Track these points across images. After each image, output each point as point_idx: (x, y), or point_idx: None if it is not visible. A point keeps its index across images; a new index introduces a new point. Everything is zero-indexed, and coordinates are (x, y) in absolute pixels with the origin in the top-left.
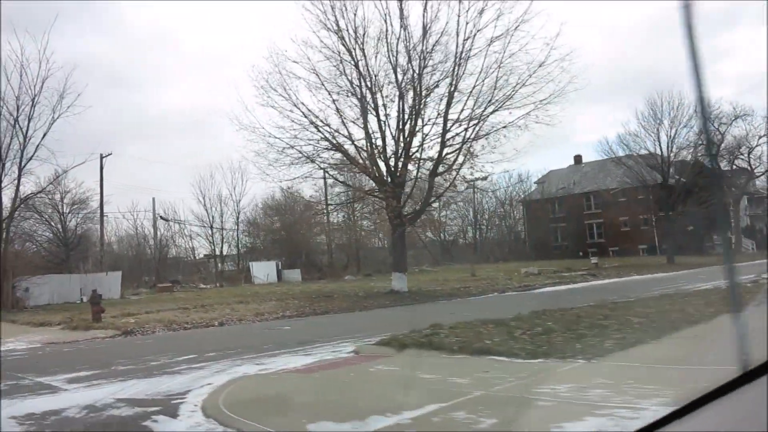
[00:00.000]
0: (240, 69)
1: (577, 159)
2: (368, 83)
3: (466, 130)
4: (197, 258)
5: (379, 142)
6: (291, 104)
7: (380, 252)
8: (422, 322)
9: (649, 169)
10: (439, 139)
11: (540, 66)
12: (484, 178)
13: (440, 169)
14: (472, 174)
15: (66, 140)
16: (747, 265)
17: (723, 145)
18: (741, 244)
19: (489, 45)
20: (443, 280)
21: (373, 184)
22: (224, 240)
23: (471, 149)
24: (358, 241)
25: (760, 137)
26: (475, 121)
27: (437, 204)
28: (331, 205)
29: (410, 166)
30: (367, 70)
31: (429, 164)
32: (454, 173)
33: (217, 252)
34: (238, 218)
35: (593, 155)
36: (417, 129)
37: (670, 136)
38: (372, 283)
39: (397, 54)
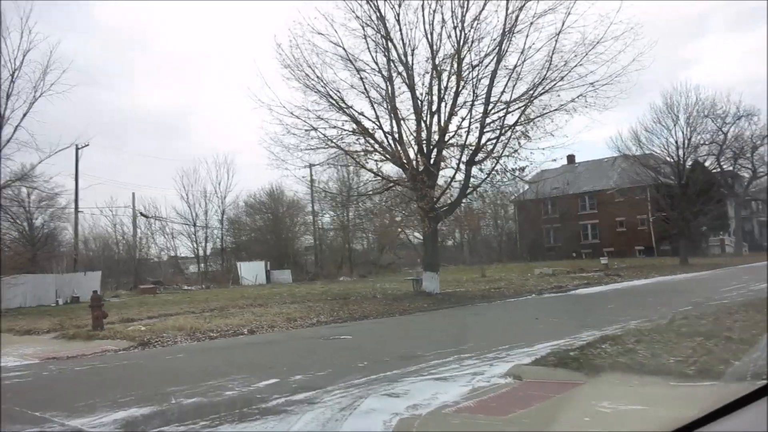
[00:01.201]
0: (255, 49)
1: (570, 159)
2: (403, 58)
3: (507, 113)
4: (179, 257)
5: (412, 126)
6: (314, 80)
7: (370, 253)
8: (509, 330)
9: (646, 170)
10: (478, 125)
11: (598, 43)
12: (522, 170)
13: (478, 157)
14: (516, 163)
15: (40, 132)
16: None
17: (725, 145)
18: (741, 246)
19: (540, 17)
20: (454, 281)
21: (402, 174)
22: (208, 239)
23: (524, 132)
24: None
25: (764, 137)
26: (525, 102)
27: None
28: (353, 196)
29: (445, 153)
30: (402, 42)
31: (466, 152)
32: (494, 162)
33: (201, 251)
34: (223, 215)
35: (587, 154)
36: (456, 110)
37: (686, 134)
38: (378, 284)
39: (433, 24)
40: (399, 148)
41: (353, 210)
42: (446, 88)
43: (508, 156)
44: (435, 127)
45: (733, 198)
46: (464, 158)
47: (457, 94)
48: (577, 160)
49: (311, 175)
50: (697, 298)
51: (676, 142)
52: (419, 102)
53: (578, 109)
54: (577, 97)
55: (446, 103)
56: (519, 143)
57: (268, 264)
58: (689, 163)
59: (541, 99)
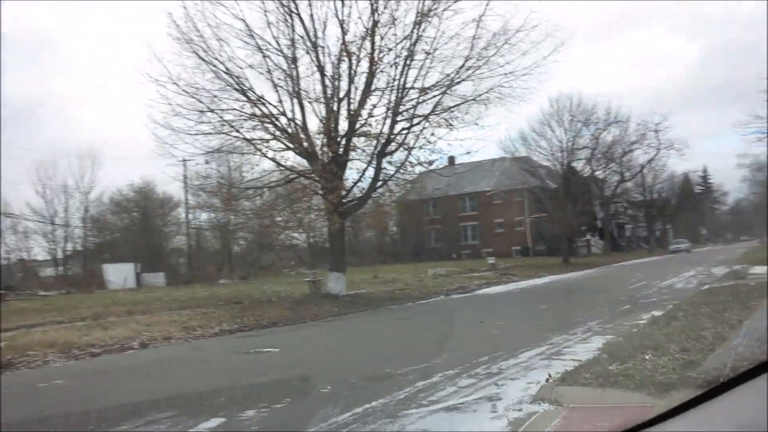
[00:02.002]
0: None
1: (451, 160)
2: (312, 37)
3: (418, 102)
4: (32, 260)
5: (322, 113)
6: (209, 53)
7: (249, 254)
8: (466, 337)
9: (525, 172)
10: (390, 113)
11: (517, 32)
12: (430, 163)
13: (390, 148)
14: (430, 155)
15: None
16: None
17: (597, 150)
18: (609, 246)
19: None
20: (347, 282)
21: (308, 165)
22: (68, 239)
23: (447, 120)
24: (230, 242)
25: (632, 143)
26: (442, 90)
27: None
28: (250, 188)
29: (357, 143)
30: (311, 18)
31: (378, 142)
32: (406, 153)
33: (60, 253)
34: (86, 213)
35: (485, 154)
36: (368, 95)
37: (568, 138)
38: (265, 287)
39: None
40: (303, 135)
41: (238, 207)
42: (356, 72)
43: (421, 148)
44: (346, 114)
45: (601, 201)
46: (376, 148)
47: (369, 79)
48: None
49: (185, 169)
50: (622, 296)
51: (560, 145)
52: (329, 86)
53: (494, 100)
54: (495, 86)
55: (357, 89)
56: (433, 134)
57: (138, 266)
58: (570, 165)
59: (456, 89)
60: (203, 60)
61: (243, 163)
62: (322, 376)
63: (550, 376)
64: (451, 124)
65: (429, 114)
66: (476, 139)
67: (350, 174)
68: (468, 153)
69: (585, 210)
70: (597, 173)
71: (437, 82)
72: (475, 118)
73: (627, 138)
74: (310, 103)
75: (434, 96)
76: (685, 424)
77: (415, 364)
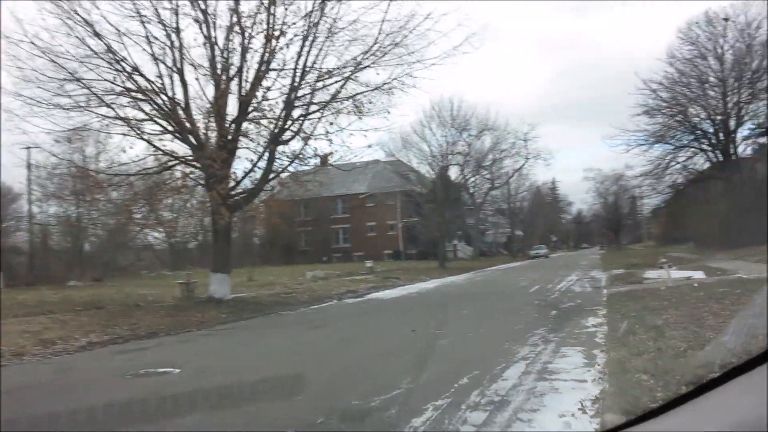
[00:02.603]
0: None
1: (324, 160)
2: (201, 3)
3: (314, 89)
4: None
5: (208, 92)
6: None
7: (103, 254)
8: (414, 350)
9: (398, 176)
10: (285, 97)
11: (426, 18)
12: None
13: (286, 136)
14: (330, 145)
15: None
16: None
17: (470, 156)
18: (478, 251)
19: None
20: None
21: (190, 151)
22: None
23: (358, 107)
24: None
25: (502, 151)
26: (347, 75)
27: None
28: (120, 175)
29: (248, 128)
30: None
31: (272, 128)
32: (303, 143)
33: None
34: None
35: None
36: (262, 75)
37: (446, 143)
38: (127, 290)
39: None
40: (185, 116)
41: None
42: (249, 48)
43: (316, 138)
44: (237, 95)
45: (471, 207)
46: (271, 135)
47: (264, 57)
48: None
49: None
50: (534, 300)
51: (437, 149)
52: (219, 63)
53: (403, 89)
54: (402, 75)
55: (250, 68)
56: (333, 123)
57: None
58: (445, 171)
59: (358, 76)
60: (65, 20)
61: (105, 148)
62: (275, 417)
63: (583, 405)
64: (360, 111)
65: (329, 101)
66: (381, 128)
67: (238, 165)
68: (370, 146)
69: (456, 215)
70: (469, 180)
71: (339, 67)
72: (382, 108)
73: (499, 146)
74: (197, 79)
75: (336, 81)
76: (676, 421)
77: (382, 391)
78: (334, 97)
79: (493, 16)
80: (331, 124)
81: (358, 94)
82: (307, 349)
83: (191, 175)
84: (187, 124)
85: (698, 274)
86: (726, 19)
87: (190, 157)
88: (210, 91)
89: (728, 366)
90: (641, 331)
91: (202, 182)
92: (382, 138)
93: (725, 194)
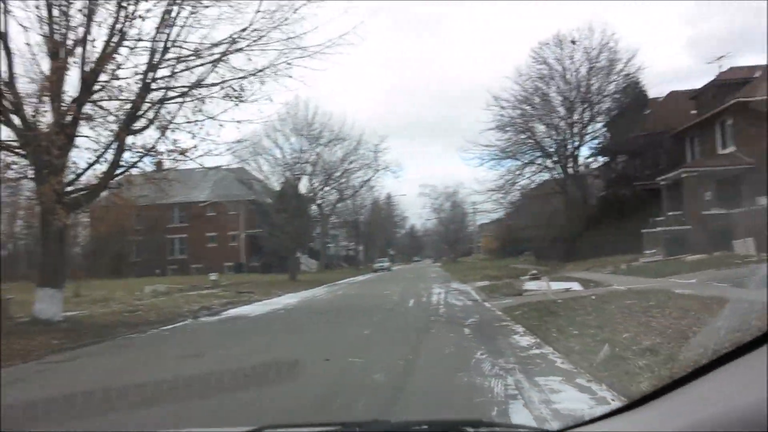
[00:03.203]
0: None
1: (159, 164)
2: None
3: (174, 72)
4: None
5: (40, 64)
6: None
7: None
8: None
9: (240, 184)
10: (140, 78)
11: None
12: (184, 151)
13: (140, 124)
14: (194, 137)
15: None
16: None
17: (319, 166)
18: (324, 263)
19: None
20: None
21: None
22: None
23: (238, 91)
24: None
25: (350, 162)
26: (217, 57)
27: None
28: None
29: (93, 111)
30: None
31: (122, 112)
32: (159, 132)
33: None
34: None
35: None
36: (111, 51)
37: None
38: None
39: None
40: (7, 89)
41: None
42: (94, 11)
43: (174, 130)
44: (79, 71)
45: (318, 218)
46: (120, 121)
47: (117, 27)
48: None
49: None
50: (431, 316)
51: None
52: (58, 29)
53: (277, 81)
54: (280, 62)
55: (95, 39)
56: (201, 110)
57: None
58: (298, 180)
59: (229, 59)
60: None
61: None
62: None
63: None
64: (240, 95)
65: (193, 86)
66: (256, 120)
67: (78, 156)
68: (241, 141)
69: (307, 226)
70: (318, 190)
71: (206, 46)
72: (263, 95)
73: (349, 157)
74: (28, 45)
75: (203, 64)
76: (663, 408)
77: None
78: (199, 83)
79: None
80: (199, 110)
81: (228, 80)
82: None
83: (13, 166)
84: (10, 101)
85: (576, 286)
86: (573, 42)
87: (14, 142)
88: (44, 62)
89: (720, 351)
90: (626, 353)
91: (29, 175)
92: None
93: (566, 209)
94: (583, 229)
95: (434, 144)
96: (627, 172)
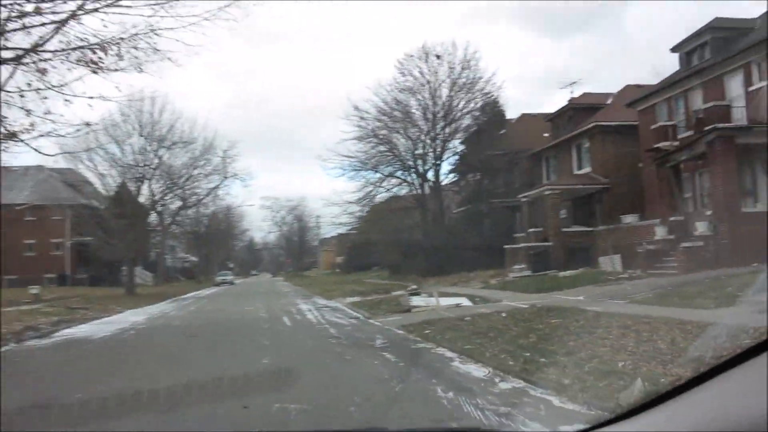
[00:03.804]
0: None
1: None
2: None
3: None
4: None
5: None
6: None
7: None
8: None
9: (67, 187)
10: None
11: None
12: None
13: None
14: (29, 114)
15: None
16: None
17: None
18: (163, 276)
19: None
20: None
21: None
22: None
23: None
24: None
25: (196, 167)
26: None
27: None
28: None
29: None
30: None
31: None
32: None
33: None
34: None
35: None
36: None
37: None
38: None
39: None
40: None
41: None
42: None
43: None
44: None
45: (158, 227)
46: None
47: None
48: None
49: None
50: (341, 338)
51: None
52: None
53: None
54: (145, 32)
55: None
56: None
57: None
58: (140, 183)
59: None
60: None
61: None
62: None
63: None
64: (96, 64)
65: (32, 49)
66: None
67: None
68: (89, 125)
69: (144, 235)
70: (159, 197)
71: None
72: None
73: (196, 162)
74: None
75: (44, 24)
76: (664, 415)
77: None
78: (39, 45)
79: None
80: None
81: (82, 47)
82: None
83: None
84: None
85: (465, 302)
86: (438, 57)
87: None
88: None
89: (719, 360)
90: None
91: None
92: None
93: (423, 224)
94: (442, 244)
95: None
96: (484, 189)
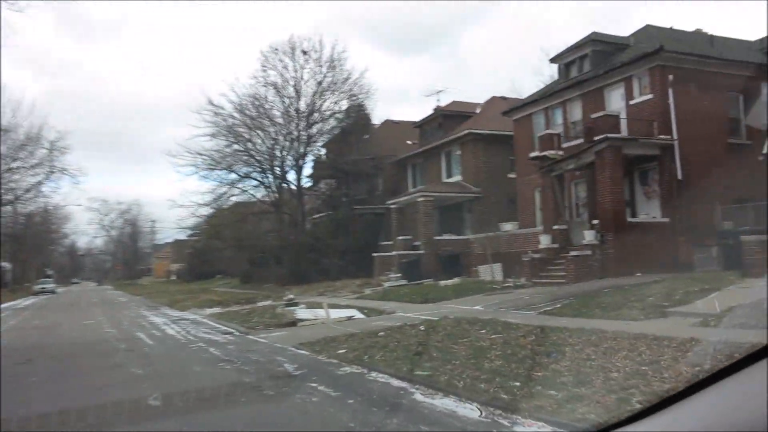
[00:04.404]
0: None
1: None
2: None
3: None
4: None
5: None
6: None
7: None
8: None
9: None
10: None
11: None
12: None
13: None
14: None
15: None
16: None
17: None
18: None
19: None
20: None
21: None
22: None
23: None
24: None
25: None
26: None
27: None
28: None
29: None
30: None
31: None
32: None
33: None
34: None
35: None
36: None
37: None
38: None
39: None
40: None
41: None
42: None
43: None
44: None
45: None
46: None
47: None
48: None
49: None
50: (202, 359)
51: None
52: None
53: None
54: None
55: None
56: None
57: None
58: None
59: None
60: None
61: None
62: None
63: None
64: None
65: None
66: None
67: None
68: None
69: None
70: None
71: None
72: None
73: (15, 153)
74: None
75: None
76: (663, 421)
77: None
78: None
79: None
80: None
81: None
82: None
83: None
84: None
85: (357, 314)
86: (305, 53)
87: None
88: None
89: (718, 366)
90: None
91: None
92: None
93: (280, 229)
94: (304, 250)
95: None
96: (347, 194)
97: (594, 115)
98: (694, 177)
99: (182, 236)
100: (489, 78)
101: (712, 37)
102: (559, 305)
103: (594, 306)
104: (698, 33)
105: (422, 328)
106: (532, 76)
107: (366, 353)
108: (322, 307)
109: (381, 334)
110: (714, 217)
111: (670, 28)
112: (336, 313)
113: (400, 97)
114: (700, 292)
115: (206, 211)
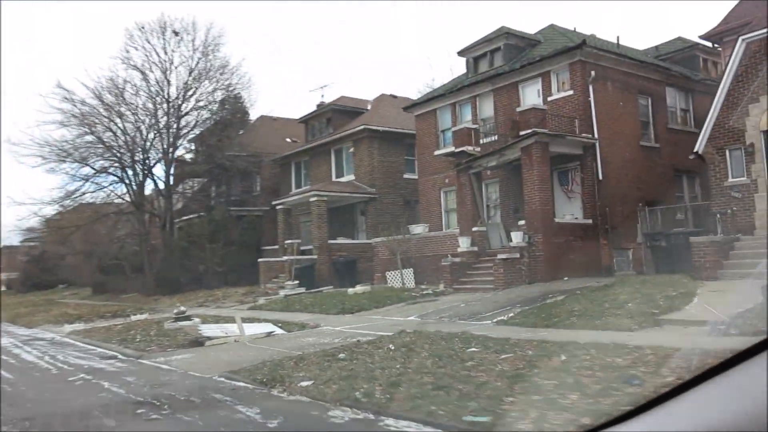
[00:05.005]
0: None
1: None
2: None
3: None
4: None
5: None
6: None
7: None
8: None
9: None
10: None
11: None
12: None
13: None
14: None
15: None
16: None
17: None
18: None
19: None
20: None
21: None
22: None
23: None
24: None
25: None
26: None
27: None
28: None
29: None
30: None
31: None
32: None
33: None
34: None
35: None
36: None
37: None
38: None
39: None
40: None
41: None
42: None
43: None
44: None
45: None
46: None
47: None
48: None
49: None
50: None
51: None
52: None
53: None
54: None
55: None
56: None
57: None
58: None
59: None
60: None
61: None
62: None
63: None
64: None
65: None
66: None
67: None
68: None
69: None
70: None
71: None
72: None
73: None
74: None
75: None
76: (654, 420)
77: None
78: None
79: None
80: None
81: None
82: None
83: None
84: None
85: (277, 329)
86: (176, 33)
87: None
88: None
89: (707, 365)
90: None
91: None
92: None
93: (142, 233)
94: (171, 256)
95: None
96: (222, 194)
97: (520, 108)
98: (612, 178)
99: (14, 242)
100: (376, 74)
101: (618, 39)
102: (512, 314)
103: (563, 314)
104: (594, 37)
105: (392, 346)
106: (421, 73)
107: (351, 386)
108: (228, 322)
109: (341, 356)
110: (634, 219)
111: (574, 30)
112: (251, 329)
113: (280, 91)
114: (677, 297)
115: (53, 210)
